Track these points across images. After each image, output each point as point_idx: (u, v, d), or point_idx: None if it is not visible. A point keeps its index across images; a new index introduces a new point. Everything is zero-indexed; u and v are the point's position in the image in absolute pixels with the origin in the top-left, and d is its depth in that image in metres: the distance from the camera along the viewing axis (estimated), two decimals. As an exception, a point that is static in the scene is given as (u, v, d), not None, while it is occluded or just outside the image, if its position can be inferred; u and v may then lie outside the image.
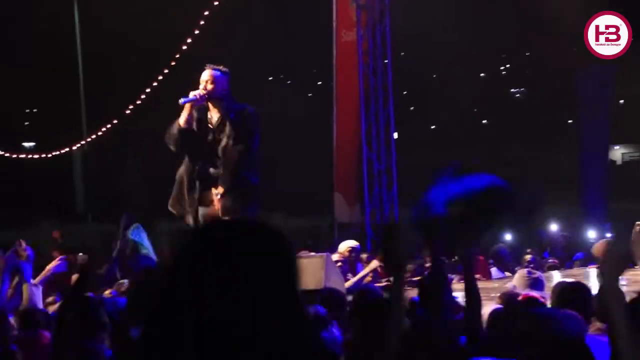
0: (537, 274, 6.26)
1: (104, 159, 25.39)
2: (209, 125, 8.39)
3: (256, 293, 1.75)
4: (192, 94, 8.26)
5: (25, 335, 5.82)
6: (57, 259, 8.08)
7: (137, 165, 27.88)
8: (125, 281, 7.74)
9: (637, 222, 10.96)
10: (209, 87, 8.27)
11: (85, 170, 26.01)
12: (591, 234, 15.91)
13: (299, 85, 30.61)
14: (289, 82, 32.35)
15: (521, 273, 6.30)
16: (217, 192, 8.18)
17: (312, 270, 7.92)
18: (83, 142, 22.52)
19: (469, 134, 29.21)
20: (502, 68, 33.48)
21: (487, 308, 5.01)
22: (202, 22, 16.25)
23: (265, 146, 8.87)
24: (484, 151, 27.20)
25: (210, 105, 8.38)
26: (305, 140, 22.72)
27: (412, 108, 29.18)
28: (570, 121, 24.72)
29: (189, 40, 17.06)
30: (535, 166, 25.36)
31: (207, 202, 8.30)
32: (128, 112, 19.37)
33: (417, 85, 27.27)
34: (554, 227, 16.19)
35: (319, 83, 28.59)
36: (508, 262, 11.13)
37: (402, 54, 22.96)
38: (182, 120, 8.29)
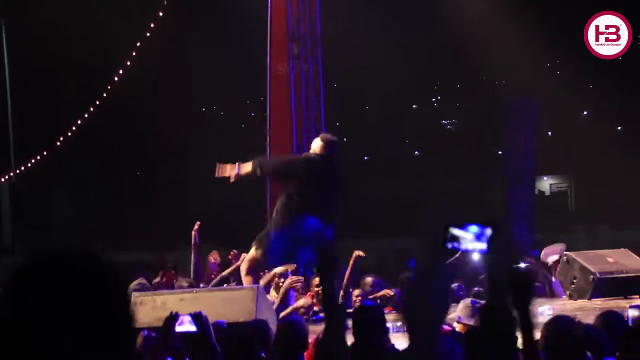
0: (481, 302, 6.25)
1: (33, 190, 24.91)
2: None
3: (75, 329, 1.67)
4: None
5: None
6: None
7: (66, 197, 27.46)
8: None
9: (565, 252, 11.10)
10: None
11: (13, 202, 25.46)
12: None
13: (231, 117, 30.58)
14: (220, 114, 32.27)
15: (465, 303, 6.29)
16: None
17: (243, 302, 7.91)
18: (11, 174, 22.19)
19: (400, 165, 29.37)
20: (433, 99, 33.81)
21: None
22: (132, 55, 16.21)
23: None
24: (415, 182, 27.31)
25: None
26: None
27: (345, 139, 29.29)
28: (500, 152, 25.01)
29: (120, 72, 16.98)
30: (465, 197, 25.55)
31: None
32: (58, 143, 19.15)
33: (349, 116, 27.35)
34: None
35: (252, 114, 28.53)
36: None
37: (335, 85, 23.07)
38: None
